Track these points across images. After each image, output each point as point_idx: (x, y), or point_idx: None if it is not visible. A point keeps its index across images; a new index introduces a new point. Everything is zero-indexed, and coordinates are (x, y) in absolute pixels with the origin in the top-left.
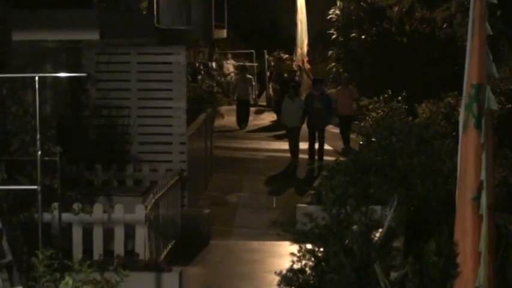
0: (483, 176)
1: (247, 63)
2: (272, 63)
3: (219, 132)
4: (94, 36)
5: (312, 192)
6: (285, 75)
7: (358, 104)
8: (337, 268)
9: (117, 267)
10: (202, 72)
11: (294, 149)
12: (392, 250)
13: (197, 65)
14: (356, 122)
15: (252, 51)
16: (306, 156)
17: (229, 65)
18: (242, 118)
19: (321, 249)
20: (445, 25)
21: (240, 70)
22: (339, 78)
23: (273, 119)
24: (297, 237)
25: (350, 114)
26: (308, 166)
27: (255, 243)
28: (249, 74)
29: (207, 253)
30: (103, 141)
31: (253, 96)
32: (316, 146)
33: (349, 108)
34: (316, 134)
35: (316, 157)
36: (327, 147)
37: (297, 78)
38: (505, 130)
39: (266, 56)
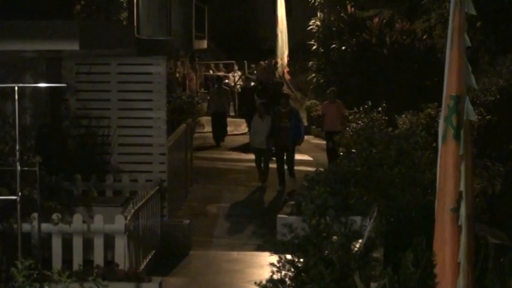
0: (462, 187)
1: (249, 75)
2: (252, 74)
3: (198, 145)
4: (74, 46)
5: (292, 202)
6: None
7: (344, 121)
8: (317, 279)
9: (97, 278)
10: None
11: (262, 171)
12: (372, 261)
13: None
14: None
15: (233, 61)
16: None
17: (236, 76)
18: (219, 133)
19: (301, 260)
20: (425, 36)
21: (216, 80)
22: (319, 89)
23: None
24: (277, 248)
25: (337, 130)
26: (278, 190)
27: (235, 254)
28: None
29: (187, 263)
30: (83, 151)
31: (231, 108)
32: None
33: (336, 123)
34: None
35: (288, 177)
36: (306, 157)
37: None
38: (485, 141)
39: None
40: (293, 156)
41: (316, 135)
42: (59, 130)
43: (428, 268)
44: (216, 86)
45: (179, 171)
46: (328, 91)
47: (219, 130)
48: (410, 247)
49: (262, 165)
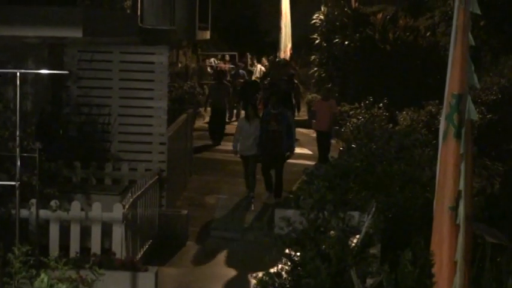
0: (461, 186)
1: (261, 66)
2: (259, 68)
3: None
4: (77, 33)
5: (291, 196)
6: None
7: (336, 120)
8: (313, 273)
9: (93, 266)
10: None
11: (251, 179)
12: (369, 257)
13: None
14: (336, 128)
15: (235, 53)
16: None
17: (258, 68)
18: (216, 130)
19: (298, 254)
20: (428, 34)
21: (217, 75)
22: (321, 83)
23: None
24: (274, 241)
25: (327, 130)
26: (265, 200)
27: (232, 245)
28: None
29: (184, 254)
30: (83, 138)
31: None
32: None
33: (326, 123)
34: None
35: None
36: (306, 151)
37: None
38: (485, 140)
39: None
40: (281, 170)
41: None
42: (59, 117)
43: (426, 267)
44: (217, 80)
45: (179, 161)
46: (322, 88)
47: (218, 127)
48: (409, 245)
49: (249, 175)
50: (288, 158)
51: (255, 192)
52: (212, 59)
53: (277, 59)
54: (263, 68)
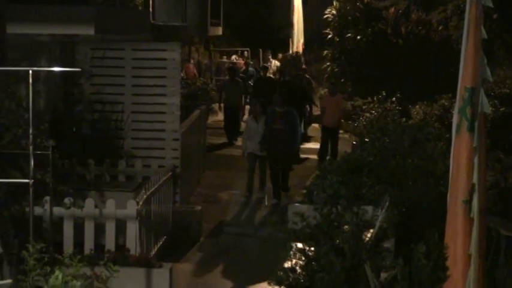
0: (475, 179)
1: (276, 61)
2: (273, 63)
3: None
4: (89, 31)
5: (304, 191)
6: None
7: (345, 115)
8: (328, 268)
9: (108, 262)
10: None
11: (251, 182)
12: (383, 251)
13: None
14: (350, 122)
15: (247, 49)
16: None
17: (272, 63)
18: (232, 128)
19: (312, 249)
20: (440, 27)
21: (229, 71)
22: (334, 78)
23: None
24: (288, 236)
25: (334, 126)
26: (272, 205)
27: (246, 241)
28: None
29: (198, 250)
30: (96, 136)
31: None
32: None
33: (334, 119)
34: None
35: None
36: (317, 146)
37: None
38: (498, 133)
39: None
40: (288, 170)
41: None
42: (72, 114)
43: (440, 261)
44: (229, 76)
45: (192, 157)
46: (327, 84)
47: (234, 125)
48: (423, 239)
49: (260, 173)
50: (295, 155)
51: (264, 191)
52: (234, 56)
53: (289, 54)
54: (278, 64)
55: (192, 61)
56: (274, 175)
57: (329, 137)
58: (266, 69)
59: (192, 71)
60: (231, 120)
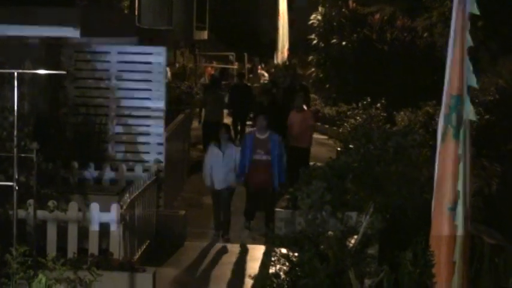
0: (460, 186)
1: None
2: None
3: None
4: (74, 34)
5: (288, 196)
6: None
7: (311, 133)
8: (312, 273)
9: (91, 266)
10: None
11: (222, 220)
12: (367, 257)
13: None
14: (334, 128)
15: (233, 53)
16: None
17: (263, 72)
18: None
19: (296, 254)
20: (425, 34)
21: (211, 82)
22: (319, 84)
23: None
24: (272, 242)
25: (303, 146)
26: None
27: (230, 246)
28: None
29: (182, 254)
30: (80, 139)
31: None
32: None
33: (303, 138)
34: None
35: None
36: None
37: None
38: (483, 141)
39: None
40: (272, 209)
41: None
42: (57, 117)
43: (427, 268)
44: (211, 88)
45: (176, 161)
46: (295, 97)
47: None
48: (409, 246)
49: (221, 212)
50: (282, 183)
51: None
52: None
53: (281, 63)
54: (265, 74)
55: (212, 64)
56: (252, 202)
57: (298, 158)
58: (243, 76)
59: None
60: (209, 137)
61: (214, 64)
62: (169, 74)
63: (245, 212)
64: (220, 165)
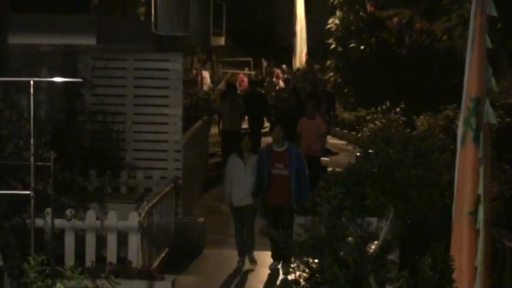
0: (480, 190)
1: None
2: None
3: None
4: (91, 41)
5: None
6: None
7: (323, 142)
8: (331, 280)
9: (109, 275)
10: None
11: (247, 238)
12: (388, 263)
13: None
14: (353, 133)
15: (250, 59)
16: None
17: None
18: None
19: (316, 261)
20: (444, 37)
21: (227, 89)
22: (337, 89)
23: None
24: (292, 248)
25: (314, 154)
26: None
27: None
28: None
29: (200, 262)
30: (97, 147)
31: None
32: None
33: (314, 146)
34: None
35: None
36: (323, 158)
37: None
38: (504, 144)
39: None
40: (291, 223)
41: (334, 135)
42: (74, 125)
43: (446, 273)
44: (229, 95)
45: (194, 168)
46: (307, 104)
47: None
48: (429, 251)
49: (245, 232)
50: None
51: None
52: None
53: (302, 68)
54: (282, 84)
55: (244, 71)
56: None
57: (309, 167)
58: (256, 83)
59: (244, 81)
60: (228, 146)
61: (246, 71)
62: (209, 80)
63: (272, 249)
64: (242, 177)
